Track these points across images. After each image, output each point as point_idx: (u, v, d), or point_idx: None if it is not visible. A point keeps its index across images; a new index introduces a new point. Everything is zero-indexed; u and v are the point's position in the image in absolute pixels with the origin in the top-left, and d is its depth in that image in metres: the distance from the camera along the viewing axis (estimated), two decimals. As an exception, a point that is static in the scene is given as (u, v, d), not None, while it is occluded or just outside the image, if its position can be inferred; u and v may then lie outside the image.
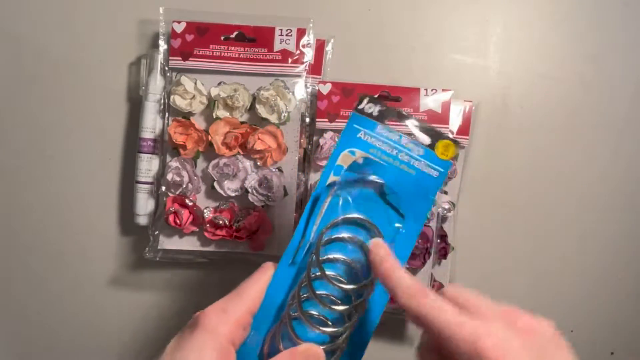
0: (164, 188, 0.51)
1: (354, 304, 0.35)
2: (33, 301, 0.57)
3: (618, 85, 0.59)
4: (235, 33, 0.51)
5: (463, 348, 0.27)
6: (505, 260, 0.59)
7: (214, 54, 0.51)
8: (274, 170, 0.51)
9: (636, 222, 0.59)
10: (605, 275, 0.60)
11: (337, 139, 0.51)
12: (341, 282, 0.35)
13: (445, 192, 0.55)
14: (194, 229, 0.51)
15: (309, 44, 0.51)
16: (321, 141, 0.51)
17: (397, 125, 0.39)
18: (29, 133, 0.55)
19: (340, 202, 0.37)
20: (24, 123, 0.55)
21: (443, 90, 0.53)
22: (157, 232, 0.52)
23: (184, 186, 0.51)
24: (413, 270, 0.53)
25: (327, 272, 0.35)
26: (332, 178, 0.37)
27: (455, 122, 0.54)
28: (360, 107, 0.38)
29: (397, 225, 0.37)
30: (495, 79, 0.58)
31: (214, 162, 0.51)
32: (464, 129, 0.55)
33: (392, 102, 0.52)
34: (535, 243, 0.59)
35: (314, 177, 0.52)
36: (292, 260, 0.36)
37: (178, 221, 0.50)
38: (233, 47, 0.51)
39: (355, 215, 0.37)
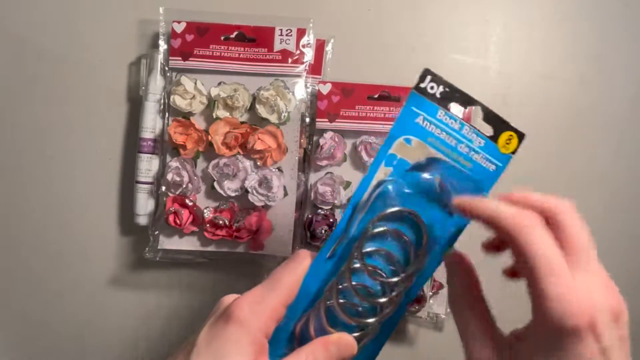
0: (164, 188, 0.51)
1: (390, 296, 0.34)
2: (33, 301, 0.57)
3: (619, 85, 0.59)
4: (235, 33, 0.51)
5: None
6: (505, 260, 0.59)
7: (214, 54, 0.51)
8: (274, 170, 0.51)
9: (636, 222, 0.59)
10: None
11: (337, 139, 0.52)
12: (381, 275, 0.34)
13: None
14: (194, 229, 0.51)
15: (309, 44, 0.51)
16: (321, 141, 0.51)
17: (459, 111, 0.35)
18: (29, 133, 0.55)
19: (390, 195, 0.34)
20: (24, 123, 0.55)
21: (443, 90, 0.53)
22: (157, 232, 0.52)
23: (184, 186, 0.51)
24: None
25: (368, 265, 0.34)
26: (382, 169, 0.34)
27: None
28: (422, 85, 0.33)
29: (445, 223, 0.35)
30: (495, 79, 0.58)
31: (214, 162, 0.51)
32: (464, 129, 0.55)
33: (393, 102, 0.52)
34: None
35: (314, 177, 0.52)
36: (331, 252, 0.34)
37: (178, 221, 0.50)
38: (233, 47, 0.51)
39: (402, 208, 0.34)
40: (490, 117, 0.34)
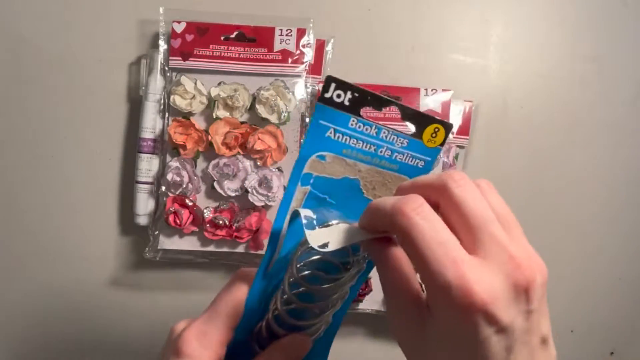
0: (164, 188, 0.51)
1: (332, 298, 0.32)
2: (33, 301, 0.57)
3: (618, 85, 0.59)
4: (235, 33, 0.51)
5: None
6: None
7: (214, 54, 0.51)
8: (274, 170, 0.51)
9: (636, 222, 0.59)
10: (605, 275, 0.60)
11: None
12: (319, 280, 0.32)
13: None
14: (194, 229, 0.51)
15: (309, 44, 0.51)
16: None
17: (375, 113, 0.33)
18: (29, 133, 0.55)
19: (315, 216, 0.31)
20: (24, 123, 0.55)
21: (443, 90, 0.53)
22: (157, 232, 0.52)
23: (184, 186, 0.51)
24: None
25: (304, 273, 0.32)
26: (300, 190, 0.32)
27: (455, 122, 0.54)
28: (327, 95, 0.30)
29: None
30: (495, 79, 0.58)
31: (214, 162, 0.51)
32: (464, 129, 0.55)
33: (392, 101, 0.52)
34: (534, 241, 0.58)
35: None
36: (264, 272, 0.32)
37: (178, 221, 0.50)
38: (233, 47, 0.51)
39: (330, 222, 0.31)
40: (410, 114, 0.32)
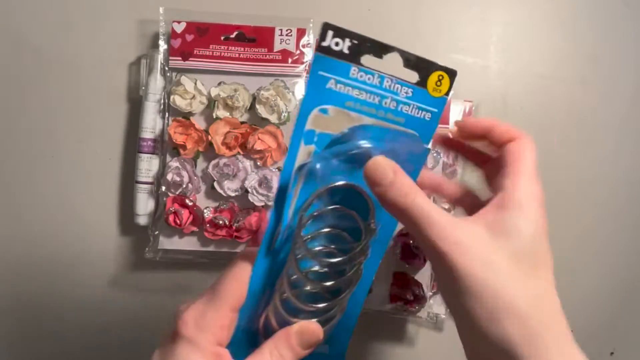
0: (164, 188, 0.51)
1: (345, 276, 0.31)
2: (33, 301, 0.57)
3: (618, 85, 0.59)
4: (235, 33, 0.51)
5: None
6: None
7: (214, 54, 0.51)
8: (274, 170, 0.51)
9: (636, 222, 0.59)
10: (605, 275, 0.60)
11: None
12: (330, 256, 0.31)
13: (445, 192, 0.55)
14: (194, 229, 0.51)
15: (309, 44, 0.51)
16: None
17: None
18: (29, 133, 0.55)
19: (320, 174, 0.30)
20: (24, 123, 0.55)
21: (443, 90, 0.53)
22: (157, 232, 0.52)
23: (184, 186, 0.51)
24: (414, 270, 0.53)
25: (311, 250, 0.31)
26: (302, 149, 0.30)
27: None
28: (324, 43, 0.28)
29: None
30: (495, 79, 0.58)
31: (214, 162, 0.51)
32: (464, 129, 0.55)
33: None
34: (535, 243, 0.59)
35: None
36: (269, 248, 0.31)
37: (178, 221, 0.50)
38: (233, 47, 0.51)
39: (338, 183, 0.30)
40: (412, 61, 0.30)
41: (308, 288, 0.32)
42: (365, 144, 0.30)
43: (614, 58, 0.59)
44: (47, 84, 0.55)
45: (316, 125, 0.30)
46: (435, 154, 0.52)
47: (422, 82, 0.31)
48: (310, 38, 0.51)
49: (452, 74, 0.31)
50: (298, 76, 0.51)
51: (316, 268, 0.32)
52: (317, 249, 0.32)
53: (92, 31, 0.55)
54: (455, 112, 0.54)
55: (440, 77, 0.31)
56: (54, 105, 0.55)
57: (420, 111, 0.31)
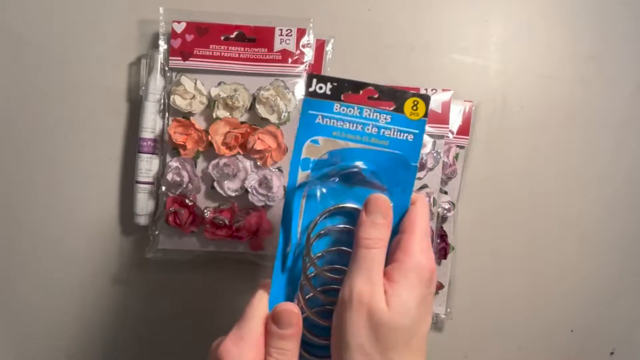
0: (164, 188, 0.51)
1: None
2: (33, 301, 0.57)
3: (618, 85, 0.59)
4: (235, 33, 0.51)
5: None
6: (505, 260, 0.59)
7: (214, 54, 0.51)
8: (274, 170, 0.51)
9: (636, 222, 0.59)
10: (605, 275, 0.60)
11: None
12: (339, 272, 0.34)
13: (445, 192, 0.55)
14: (194, 229, 0.51)
15: (309, 44, 0.51)
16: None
17: (357, 98, 0.36)
18: (29, 133, 0.55)
19: (319, 195, 0.35)
20: (24, 123, 0.55)
21: (443, 90, 0.53)
22: (157, 232, 0.52)
23: (184, 186, 0.51)
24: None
25: (321, 268, 0.35)
26: (300, 174, 0.35)
27: (455, 122, 0.54)
28: (310, 89, 0.35)
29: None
30: (495, 79, 0.58)
31: (214, 162, 0.51)
32: (464, 129, 0.55)
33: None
34: (535, 243, 0.59)
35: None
36: (282, 267, 0.35)
37: (178, 221, 0.50)
38: (233, 47, 0.51)
39: (339, 205, 0.35)
40: (386, 92, 0.35)
41: (323, 304, 0.35)
42: (359, 164, 0.35)
43: (613, 58, 0.59)
44: (47, 84, 0.55)
45: (310, 153, 0.35)
46: (435, 154, 0.52)
47: (400, 109, 0.35)
48: (310, 38, 0.51)
49: (425, 99, 0.35)
50: (298, 76, 0.51)
51: (329, 285, 0.35)
52: (327, 267, 0.35)
53: (92, 31, 0.55)
54: (456, 112, 0.54)
55: (416, 102, 0.35)
56: (54, 105, 0.55)
57: (402, 133, 0.35)
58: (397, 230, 0.34)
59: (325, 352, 0.34)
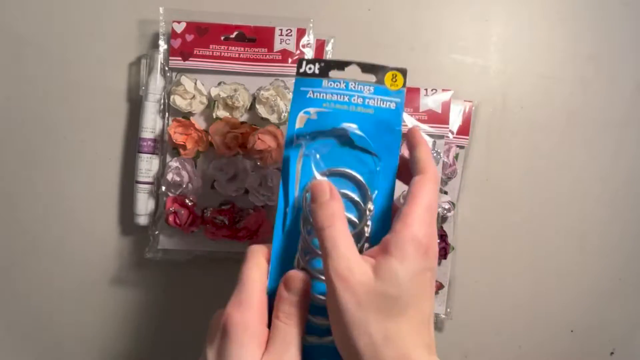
0: (164, 188, 0.51)
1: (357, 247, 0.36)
2: (33, 301, 0.57)
3: (618, 85, 0.59)
4: (235, 33, 0.51)
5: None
6: (505, 260, 0.59)
7: (214, 54, 0.51)
8: (274, 170, 0.51)
9: (636, 222, 0.59)
10: (605, 275, 0.60)
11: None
12: None
13: (445, 192, 0.55)
14: (194, 229, 0.51)
15: (309, 44, 0.51)
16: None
17: (342, 75, 0.39)
18: (29, 133, 0.55)
19: (312, 160, 0.38)
20: (24, 123, 0.55)
21: (443, 90, 0.53)
22: (157, 232, 0.52)
23: (184, 186, 0.51)
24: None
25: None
26: (296, 141, 0.38)
27: (455, 122, 0.54)
28: (301, 70, 0.39)
29: (374, 167, 0.38)
30: (495, 79, 0.58)
31: (214, 162, 0.51)
32: (464, 129, 0.55)
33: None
34: (535, 243, 0.59)
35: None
36: (282, 229, 0.37)
37: (178, 221, 0.50)
38: (233, 47, 0.51)
39: (332, 168, 0.37)
40: (368, 68, 0.39)
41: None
42: (346, 124, 0.38)
43: (614, 58, 0.59)
44: (47, 84, 0.55)
45: (302, 124, 0.38)
46: (435, 154, 0.52)
47: (380, 81, 0.39)
48: (310, 38, 0.51)
49: (403, 72, 0.39)
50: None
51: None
52: None
53: (92, 31, 0.55)
54: (455, 112, 0.54)
55: (394, 75, 0.39)
56: (54, 105, 0.55)
57: (384, 102, 0.39)
58: (392, 192, 0.37)
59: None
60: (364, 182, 0.37)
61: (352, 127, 0.38)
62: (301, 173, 0.38)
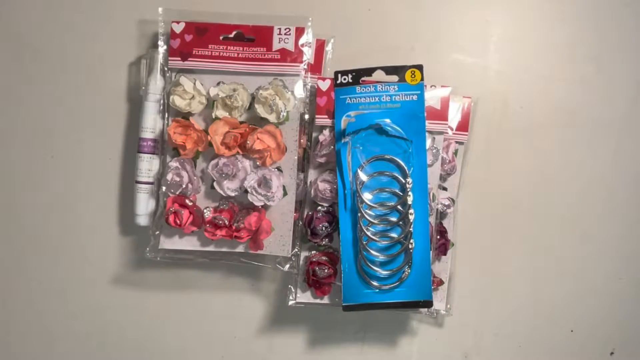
0: (164, 188, 0.51)
1: (401, 216, 0.50)
2: (33, 301, 0.57)
3: (618, 85, 0.59)
4: (234, 33, 0.51)
5: None
6: (505, 256, 0.59)
7: (213, 54, 0.51)
8: (273, 170, 0.51)
9: (636, 222, 0.59)
10: (605, 275, 0.60)
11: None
12: (384, 205, 0.50)
13: (445, 189, 0.55)
14: (194, 229, 0.51)
15: (307, 43, 0.51)
16: (320, 137, 0.52)
17: (371, 80, 0.51)
18: (29, 133, 0.55)
19: (358, 152, 0.50)
20: (24, 123, 0.55)
21: (442, 86, 0.53)
22: (157, 232, 0.52)
23: (184, 186, 0.51)
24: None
25: (370, 203, 0.50)
26: (342, 139, 0.50)
27: (454, 118, 0.54)
28: (338, 82, 0.50)
29: (407, 149, 0.50)
30: (495, 79, 0.58)
31: (213, 162, 0.51)
32: (463, 125, 0.55)
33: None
34: (535, 241, 0.59)
35: (313, 175, 0.53)
36: (344, 207, 0.50)
37: (178, 221, 0.50)
38: (232, 47, 0.51)
39: (375, 155, 0.50)
40: (390, 70, 0.50)
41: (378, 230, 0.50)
42: (385, 120, 0.50)
43: (614, 58, 0.59)
44: (47, 84, 0.55)
45: (345, 124, 0.50)
46: (434, 150, 0.52)
47: (402, 79, 0.50)
48: (309, 37, 0.51)
49: (420, 68, 0.50)
50: (297, 75, 0.51)
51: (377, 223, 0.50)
52: (374, 204, 0.50)
53: (92, 31, 0.55)
54: (454, 108, 0.54)
55: (413, 72, 0.50)
56: (54, 105, 0.55)
57: (408, 95, 0.50)
58: (425, 166, 0.50)
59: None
60: (400, 161, 0.50)
61: (385, 121, 0.49)
62: (352, 163, 0.49)
